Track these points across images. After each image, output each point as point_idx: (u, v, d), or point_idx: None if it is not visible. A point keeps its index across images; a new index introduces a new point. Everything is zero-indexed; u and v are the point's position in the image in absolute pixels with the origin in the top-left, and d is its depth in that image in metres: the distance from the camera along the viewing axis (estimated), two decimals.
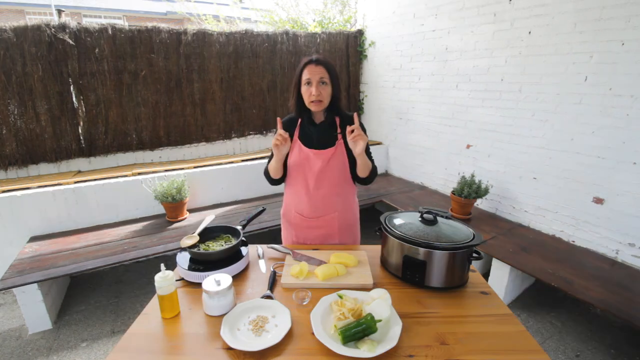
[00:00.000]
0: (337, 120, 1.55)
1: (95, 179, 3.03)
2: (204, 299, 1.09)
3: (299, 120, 1.56)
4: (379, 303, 1.03)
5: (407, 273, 1.24)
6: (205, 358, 0.93)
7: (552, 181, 2.77)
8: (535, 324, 2.41)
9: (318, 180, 1.52)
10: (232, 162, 3.63)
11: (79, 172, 3.33)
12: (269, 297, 1.17)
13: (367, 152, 1.57)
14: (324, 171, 1.51)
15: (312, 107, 1.47)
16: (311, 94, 1.42)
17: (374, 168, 1.56)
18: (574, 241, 2.71)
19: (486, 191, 3.01)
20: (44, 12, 12.64)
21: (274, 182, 1.61)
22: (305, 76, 1.43)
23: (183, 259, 1.32)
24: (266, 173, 1.61)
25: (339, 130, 1.53)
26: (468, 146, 3.40)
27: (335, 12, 6.49)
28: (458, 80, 3.37)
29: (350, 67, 4.60)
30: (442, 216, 1.35)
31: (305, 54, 4.23)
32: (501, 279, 2.54)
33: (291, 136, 1.53)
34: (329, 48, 4.40)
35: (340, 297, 1.09)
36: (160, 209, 3.20)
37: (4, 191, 2.73)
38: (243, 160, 3.71)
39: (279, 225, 3.04)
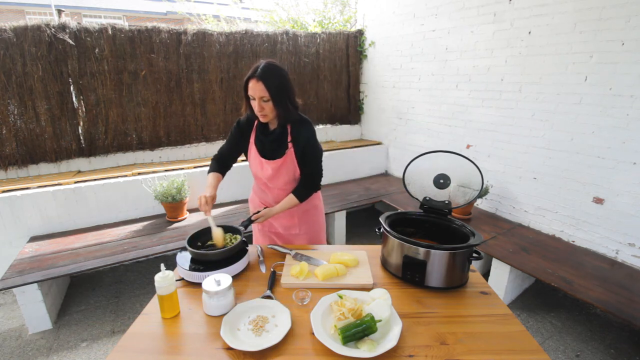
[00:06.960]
0: (289, 127, 1.56)
1: (95, 179, 3.03)
2: (204, 299, 1.09)
3: (255, 123, 1.63)
4: (379, 303, 1.03)
5: (407, 273, 1.24)
6: (205, 358, 0.93)
7: (552, 181, 2.77)
8: (535, 324, 2.41)
9: (271, 182, 1.66)
10: None
11: (79, 172, 3.33)
12: (269, 297, 1.17)
13: (311, 164, 1.61)
14: (275, 177, 1.63)
15: (261, 119, 1.51)
16: (256, 108, 1.46)
17: (309, 187, 1.64)
18: (573, 241, 2.71)
19: (486, 191, 3.01)
20: (44, 12, 12.65)
21: None
22: (249, 91, 1.43)
23: (183, 259, 1.32)
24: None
25: (289, 139, 1.56)
26: (468, 146, 3.40)
27: (335, 12, 6.49)
28: (458, 80, 3.37)
29: (350, 67, 4.60)
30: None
31: (305, 54, 4.23)
32: (501, 279, 2.54)
33: (248, 137, 1.65)
34: (329, 48, 4.39)
35: (340, 297, 1.09)
36: (160, 209, 3.20)
37: (4, 191, 2.73)
38: (243, 160, 3.70)
39: None
